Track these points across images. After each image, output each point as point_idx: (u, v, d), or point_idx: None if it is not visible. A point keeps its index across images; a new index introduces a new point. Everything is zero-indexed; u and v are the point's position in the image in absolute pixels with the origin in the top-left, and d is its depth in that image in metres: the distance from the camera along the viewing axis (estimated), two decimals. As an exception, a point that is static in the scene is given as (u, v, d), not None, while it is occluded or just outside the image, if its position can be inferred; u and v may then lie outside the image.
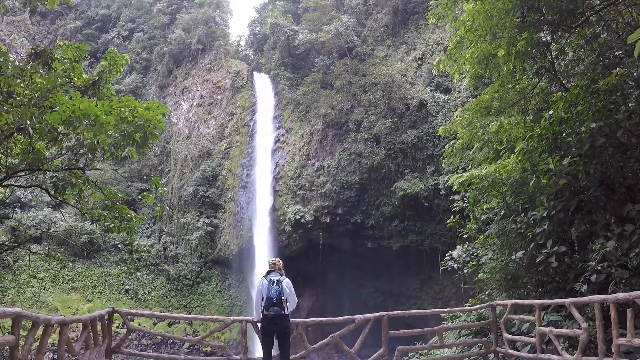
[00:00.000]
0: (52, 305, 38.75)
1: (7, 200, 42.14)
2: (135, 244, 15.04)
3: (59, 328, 7.68)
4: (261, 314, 9.69)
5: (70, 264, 43.60)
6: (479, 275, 14.88)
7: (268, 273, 9.85)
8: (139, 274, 44.15)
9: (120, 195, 13.56)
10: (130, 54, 59.79)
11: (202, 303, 46.29)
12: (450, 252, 17.27)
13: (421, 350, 13.68)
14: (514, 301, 11.48)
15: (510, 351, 11.29)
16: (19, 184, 14.31)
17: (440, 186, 36.02)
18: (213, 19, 58.74)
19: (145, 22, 64.87)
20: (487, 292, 14.75)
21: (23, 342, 6.42)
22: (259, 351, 10.27)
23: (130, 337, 11.51)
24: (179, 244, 49.46)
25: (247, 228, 45.98)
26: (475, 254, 15.40)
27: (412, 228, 40.03)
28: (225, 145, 50.96)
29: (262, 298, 9.65)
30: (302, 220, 41.90)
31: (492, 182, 13.19)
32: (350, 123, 41.54)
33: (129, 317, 11.15)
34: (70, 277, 42.58)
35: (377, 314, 11.56)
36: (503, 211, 12.97)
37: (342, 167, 41.19)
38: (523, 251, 11.85)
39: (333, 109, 42.47)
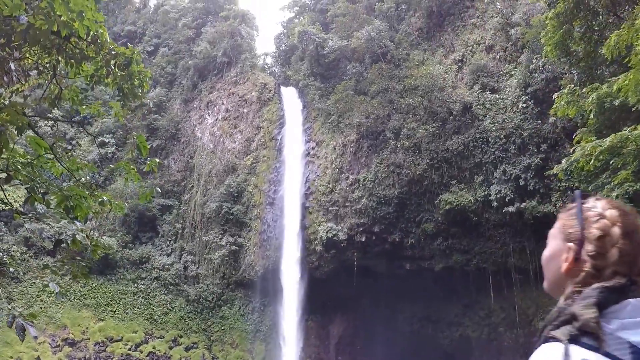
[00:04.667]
0: (60, 322, 35.83)
1: (23, 209, 39.83)
2: (73, 232, 8.57)
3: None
4: None
5: (83, 279, 40.96)
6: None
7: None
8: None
9: (84, 164, 8.86)
10: (155, 69, 58.21)
11: (223, 327, 42.88)
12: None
13: None
14: None
15: None
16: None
17: (491, 197, 32.27)
18: (239, 32, 56.52)
19: (171, 37, 63.24)
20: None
21: None
22: None
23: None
24: (200, 264, 46.31)
25: (274, 248, 42.73)
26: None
27: (457, 247, 36.20)
28: (251, 160, 48.08)
29: None
30: (335, 239, 38.44)
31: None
32: (387, 132, 38.14)
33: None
34: (82, 293, 39.77)
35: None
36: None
37: (379, 180, 37.73)
38: None
39: (368, 117, 39.22)
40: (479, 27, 38.68)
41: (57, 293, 8.29)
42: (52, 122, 46.96)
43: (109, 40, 7.56)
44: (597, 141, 11.08)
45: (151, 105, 54.58)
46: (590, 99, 12.60)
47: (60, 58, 7.59)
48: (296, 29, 51.27)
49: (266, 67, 66.32)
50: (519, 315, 34.63)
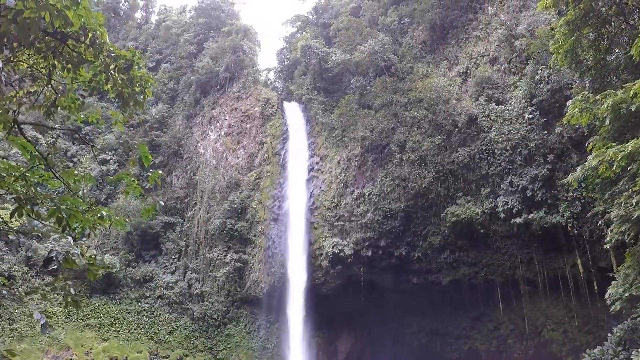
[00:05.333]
0: (63, 343, 35.19)
1: (25, 229, 39.52)
2: (60, 248, 7.46)
3: None
4: None
5: (86, 299, 40.45)
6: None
7: None
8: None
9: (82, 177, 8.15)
10: (157, 85, 58.06)
11: (229, 345, 42.14)
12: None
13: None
14: None
15: None
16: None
17: (498, 209, 31.78)
18: (241, 48, 56.43)
19: (172, 53, 63.23)
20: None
21: None
22: None
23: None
24: (204, 281, 45.67)
25: (279, 264, 42.17)
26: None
27: (464, 259, 35.68)
28: (255, 175, 47.65)
29: None
30: (341, 254, 37.97)
31: None
32: (392, 145, 37.77)
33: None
34: (85, 314, 39.18)
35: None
36: None
37: (384, 193, 37.32)
38: None
39: (372, 131, 38.88)
40: (483, 40, 38.43)
41: (42, 326, 7.31)
42: (54, 138, 46.64)
43: (108, 42, 7.16)
44: (618, 146, 10.71)
45: (155, 115, 54.33)
46: (605, 105, 12.22)
47: (56, 62, 7.19)
48: (299, 43, 51.12)
49: (269, 82, 66.30)
50: (528, 326, 34.08)
